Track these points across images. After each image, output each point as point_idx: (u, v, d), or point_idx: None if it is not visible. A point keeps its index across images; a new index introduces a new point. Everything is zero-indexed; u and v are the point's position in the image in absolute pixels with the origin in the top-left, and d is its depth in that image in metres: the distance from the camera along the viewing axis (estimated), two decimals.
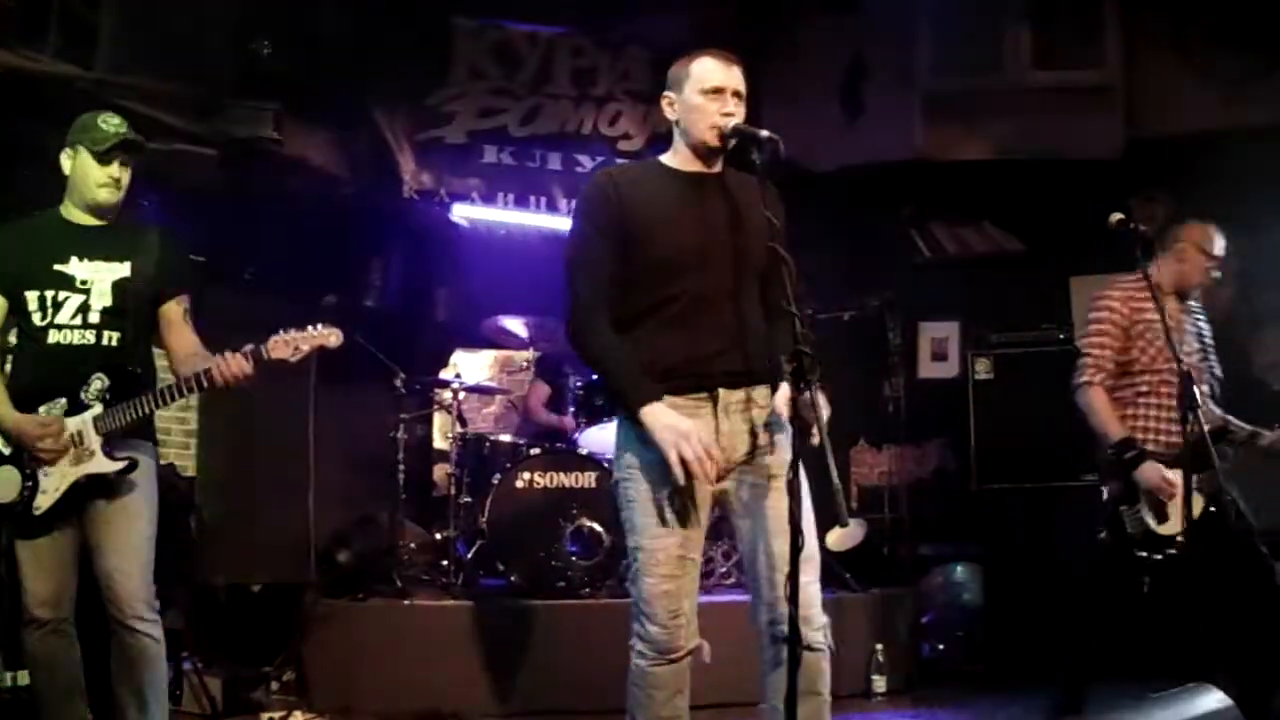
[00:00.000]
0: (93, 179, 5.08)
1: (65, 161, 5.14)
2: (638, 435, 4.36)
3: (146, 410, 4.98)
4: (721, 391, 4.35)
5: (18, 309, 5.06)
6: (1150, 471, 5.95)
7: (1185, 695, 4.17)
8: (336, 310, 9.16)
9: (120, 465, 4.95)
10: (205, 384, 4.89)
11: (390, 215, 9.89)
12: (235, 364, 4.85)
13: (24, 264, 5.06)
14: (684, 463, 4.04)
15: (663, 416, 4.11)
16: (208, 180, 8.56)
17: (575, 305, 4.41)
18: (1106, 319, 6.25)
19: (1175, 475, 5.92)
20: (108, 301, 5.06)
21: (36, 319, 5.02)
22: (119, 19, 7.54)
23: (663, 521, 4.31)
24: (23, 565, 5.02)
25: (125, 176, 5.15)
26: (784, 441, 4.27)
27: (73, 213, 5.18)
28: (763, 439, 4.38)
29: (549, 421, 9.22)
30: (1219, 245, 6.29)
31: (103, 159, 5.07)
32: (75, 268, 5.05)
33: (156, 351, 5.37)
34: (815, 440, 4.09)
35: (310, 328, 5.01)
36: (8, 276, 5.07)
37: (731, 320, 4.26)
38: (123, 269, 5.11)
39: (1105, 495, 6.11)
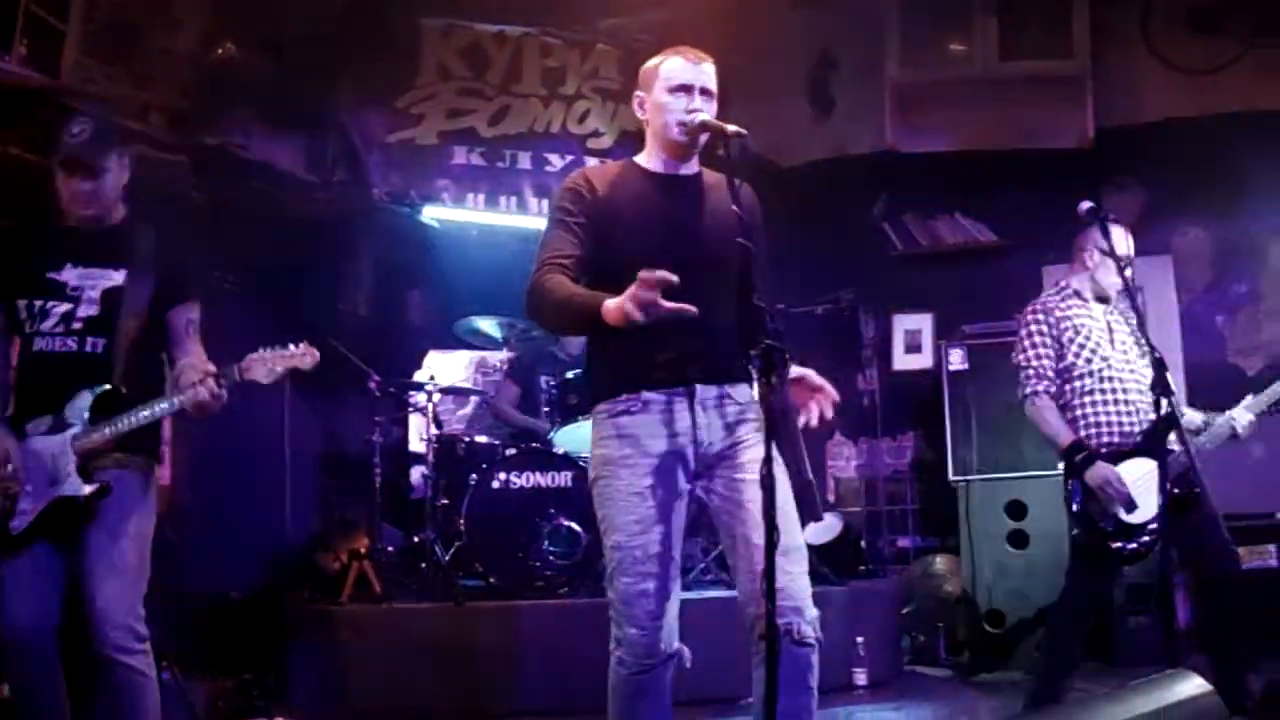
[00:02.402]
0: (63, 191, 4.99)
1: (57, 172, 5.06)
2: (613, 431, 4.37)
3: (126, 429, 4.84)
4: (698, 387, 4.36)
5: (11, 318, 4.99)
6: (1096, 474, 5.99)
7: (1163, 682, 4.18)
8: (309, 313, 9.18)
9: (91, 490, 4.81)
10: (178, 407, 4.84)
11: (361, 217, 9.88)
12: (203, 391, 4.76)
13: (18, 271, 4.98)
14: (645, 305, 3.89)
15: (614, 302, 3.98)
16: (178, 186, 8.55)
17: (530, 278, 4.39)
18: (1035, 331, 6.35)
19: (1134, 465, 5.98)
20: (94, 311, 4.94)
21: (25, 327, 4.93)
22: (86, 26, 7.50)
23: (640, 519, 4.28)
24: (3, 586, 4.90)
25: (98, 185, 5.01)
26: (759, 437, 4.28)
27: (66, 218, 5.08)
28: (739, 434, 4.38)
29: (519, 422, 9.20)
30: (1121, 244, 6.31)
31: (67, 170, 4.98)
32: (68, 274, 4.95)
33: None
34: (810, 420, 4.24)
35: (289, 346, 4.95)
36: (2, 284, 5.02)
37: (704, 320, 4.24)
38: (115, 277, 4.99)
39: (1073, 492, 6.13)
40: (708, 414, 4.37)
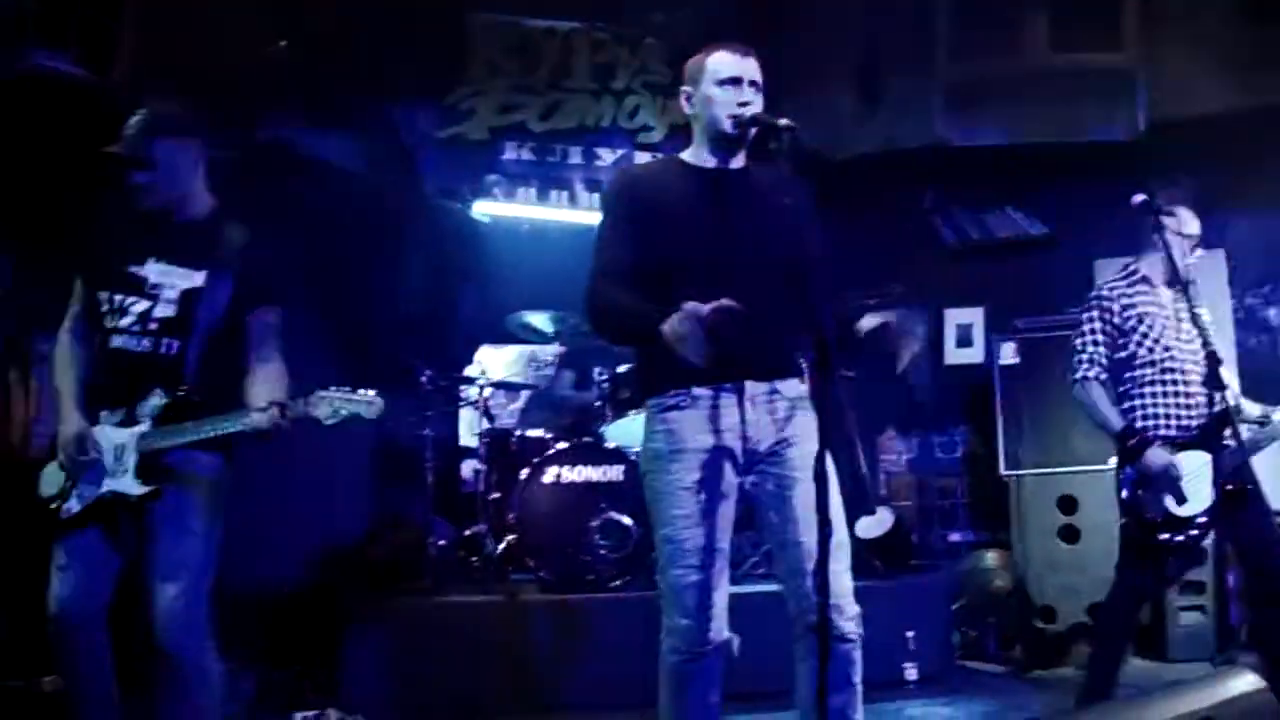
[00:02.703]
0: (127, 184, 4.99)
1: None
2: (662, 426, 4.40)
3: (189, 440, 4.83)
4: (748, 384, 4.37)
5: (92, 310, 4.99)
6: (1156, 459, 5.95)
7: (1217, 678, 4.17)
8: (360, 309, 9.22)
9: (144, 491, 4.83)
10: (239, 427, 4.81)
11: (412, 213, 9.90)
12: (263, 419, 4.75)
13: (99, 264, 4.99)
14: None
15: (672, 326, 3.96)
16: (229, 185, 8.58)
17: (589, 285, 4.42)
18: (1097, 316, 6.29)
19: (1188, 458, 5.94)
20: (171, 312, 4.92)
21: (106, 321, 4.94)
22: (139, 26, 7.55)
23: (689, 512, 4.30)
24: (53, 566, 4.91)
25: (155, 176, 4.97)
26: (809, 432, 4.29)
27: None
28: (788, 431, 4.39)
29: (574, 403, 9.17)
30: (1191, 226, 6.28)
31: (129, 164, 4.96)
32: (149, 269, 4.93)
33: None
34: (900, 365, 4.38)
35: (357, 391, 4.90)
36: (86, 272, 5.03)
37: (754, 316, 4.23)
38: (196, 278, 4.97)
39: (1123, 481, 6.09)
40: (757, 410, 4.38)
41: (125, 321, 4.92)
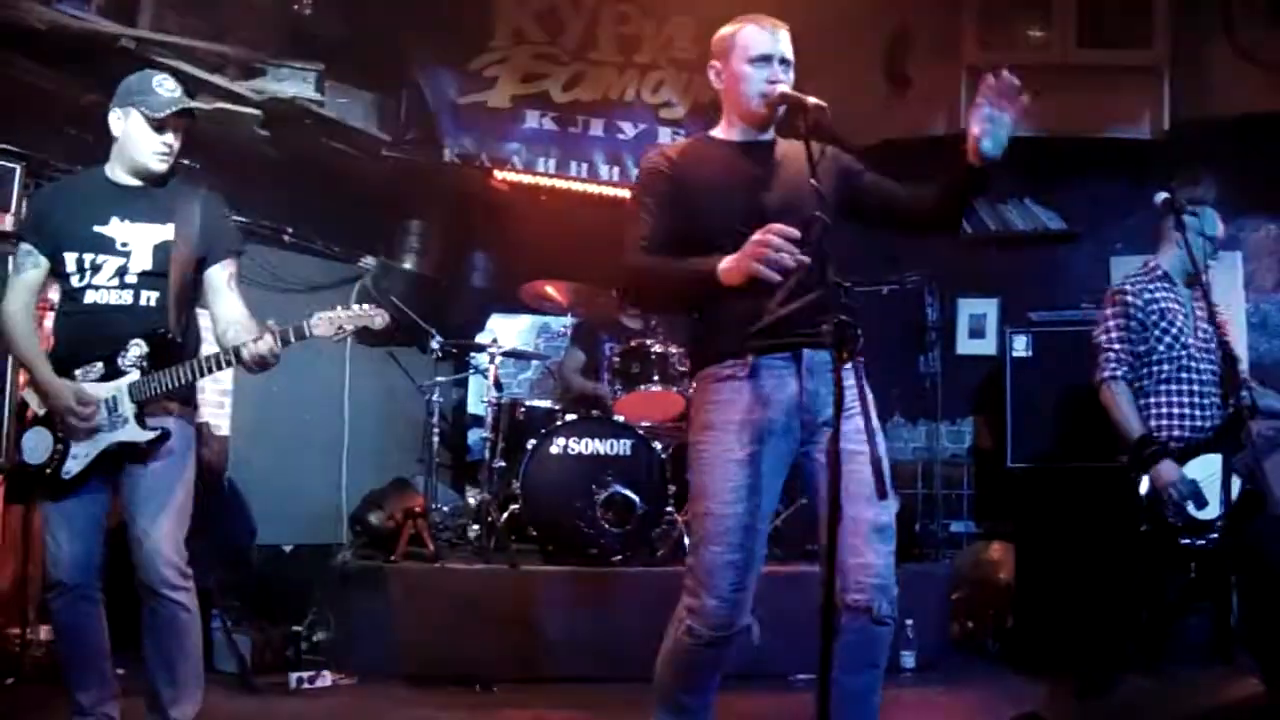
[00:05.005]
0: (146, 146, 5.01)
1: (115, 122, 5.05)
2: (717, 396, 4.35)
3: (184, 380, 4.93)
4: (805, 352, 4.31)
5: (57, 271, 5.02)
6: (1163, 475, 5.95)
7: (1216, 681, 4.17)
8: (374, 272, 9.24)
9: (152, 435, 4.92)
10: (236, 360, 4.88)
11: (431, 179, 9.88)
12: (264, 345, 4.82)
13: (64, 225, 5.01)
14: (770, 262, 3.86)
15: (734, 258, 3.96)
16: (249, 140, 8.59)
17: (628, 258, 4.36)
18: (1122, 313, 6.28)
19: (1205, 462, 5.93)
20: (147, 265, 4.99)
21: (74, 280, 4.97)
22: None
23: (737, 486, 4.24)
24: (50, 528, 4.99)
25: (178, 143, 5.10)
26: (858, 406, 4.26)
27: (117, 173, 5.10)
28: (848, 400, 4.33)
29: (584, 388, 9.19)
30: (1217, 227, 6.28)
31: (158, 126, 5.01)
32: (115, 229, 4.99)
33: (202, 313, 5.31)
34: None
35: (355, 307, 4.98)
36: (48, 238, 5.02)
37: (803, 282, 4.19)
38: (165, 232, 5.03)
39: (1141, 487, 6.07)
40: (816, 380, 4.32)
41: (100, 278, 5.00)
